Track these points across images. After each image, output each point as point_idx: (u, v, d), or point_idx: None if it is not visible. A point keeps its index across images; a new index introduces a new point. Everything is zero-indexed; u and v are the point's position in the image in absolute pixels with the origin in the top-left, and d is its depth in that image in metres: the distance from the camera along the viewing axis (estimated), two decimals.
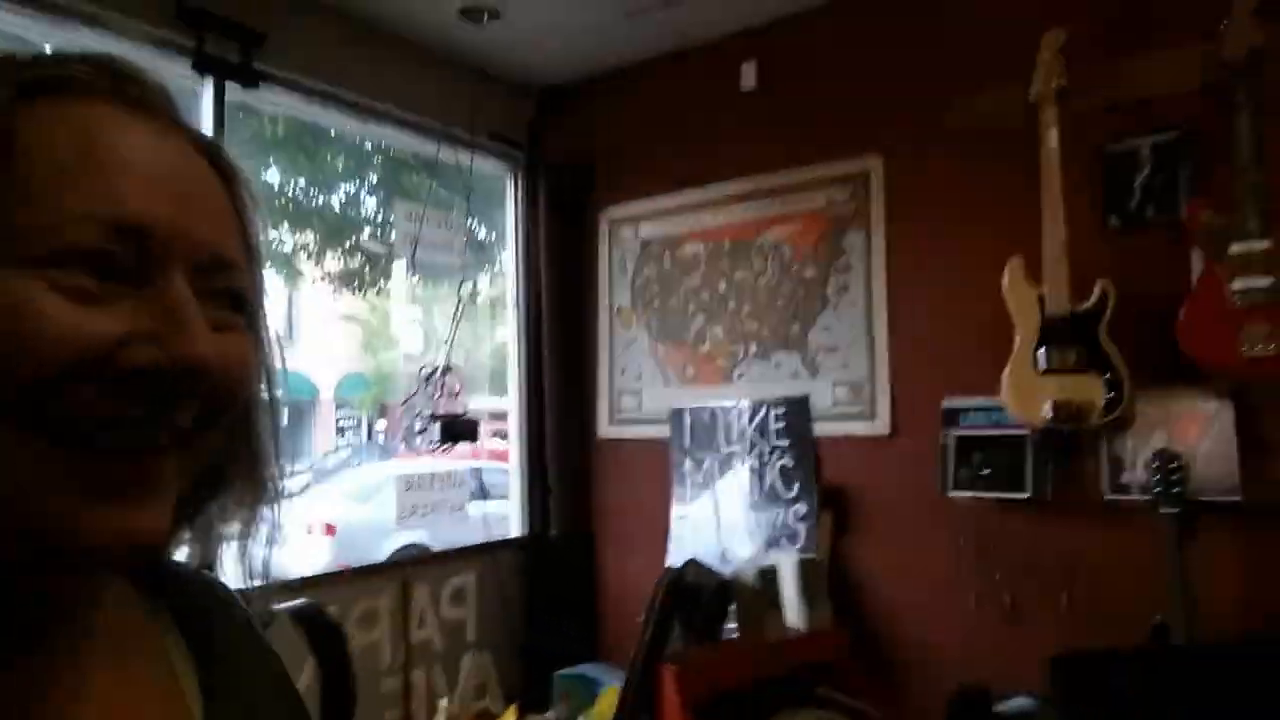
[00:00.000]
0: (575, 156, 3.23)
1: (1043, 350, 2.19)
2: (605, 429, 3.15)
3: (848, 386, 2.65)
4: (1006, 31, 2.34)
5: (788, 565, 2.01)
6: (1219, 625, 2.03)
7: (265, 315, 0.51)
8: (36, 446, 0.39)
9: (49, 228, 0.39)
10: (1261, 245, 1.96)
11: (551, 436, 3.15)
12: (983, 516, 2.36)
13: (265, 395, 0.52)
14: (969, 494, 2.36)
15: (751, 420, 2.79)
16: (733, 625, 1.86)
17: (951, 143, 2.45)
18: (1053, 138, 2.19)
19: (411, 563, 3.28)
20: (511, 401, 3.26)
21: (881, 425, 2.58)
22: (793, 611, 1.97)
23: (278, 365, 0.52)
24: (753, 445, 2.77)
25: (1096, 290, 2.16)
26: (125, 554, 0.42)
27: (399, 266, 2.76)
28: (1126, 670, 1.60)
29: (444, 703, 2.38)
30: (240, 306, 0.47)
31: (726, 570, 2.07)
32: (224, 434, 0.47)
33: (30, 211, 0.39)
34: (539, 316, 3.18)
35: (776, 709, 1.83)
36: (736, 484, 2.77)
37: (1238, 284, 1.98)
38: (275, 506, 0.53)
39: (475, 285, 3.03)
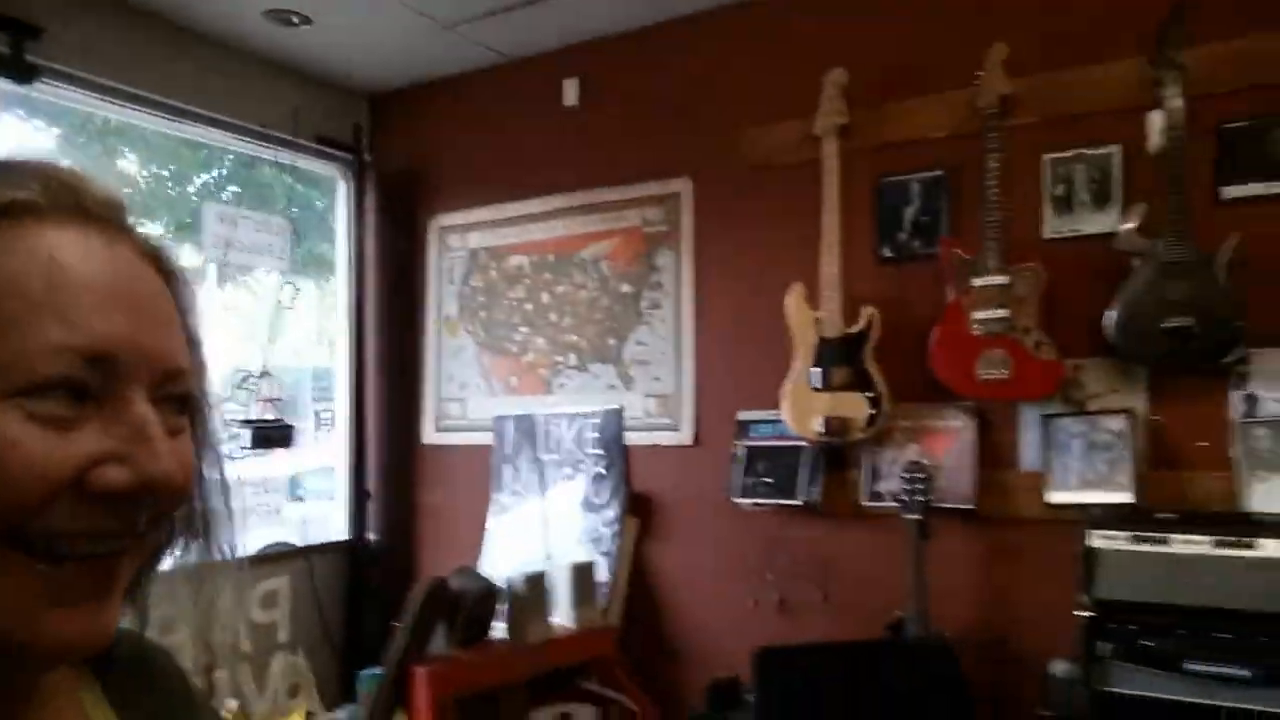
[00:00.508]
0: (406, 163, 3.26)
1: (816, 369, 2.37)
2: (430, 435, 3.18)
3: (657, 398, 2.77)
4: (796, 69, 2.50)
5: (561, 570, 2.10)
6: (954, 617, 2.25)
7: (208, 400, 0.53)
8: (14, 559, 0.42)
9: (23, 361, 0.41)
10: (999, 280, 2.17)
11: (374, 442, 3.16)
12: (763, 521, 2.52)
13: (216, 476, 0.55)
14: (753, 500, 2.51)
15: (569, 430, 2.88)
16: (502, 628, 1.93)
17: (750, 171, 2.61)
18: (832, 171, 2.37)
19: (218, 566, 3.21)
20: (337, 406, 3.25)
21: (686, 435, 2.71)
22: (564, 613, 2.06)
23: (222, 450, 0.56)
24: (570, 454, 2.87)
25: (863, 316, 2.34)
26: (88, 652, 0.45)
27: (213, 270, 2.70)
28: (811, 660, 1.76)
29: (233, 703, 2.36)
30: (185, 408, 0.49)
31: (533, 572, 2.15)
32: (170, 523, 0.50)
33: (3, 346, 0.42)
34: (367, 322, 3.18)
35: (543, 703, 1.92)
36: (564, 490, 2.85)
37: (978, 315, 2.19)
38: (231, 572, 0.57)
39: (297, 288, 3.00)
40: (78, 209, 0.47)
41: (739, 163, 2.63)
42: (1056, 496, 2.16)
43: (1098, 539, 1.89)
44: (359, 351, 3.17)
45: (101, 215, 0.47)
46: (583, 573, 2.13)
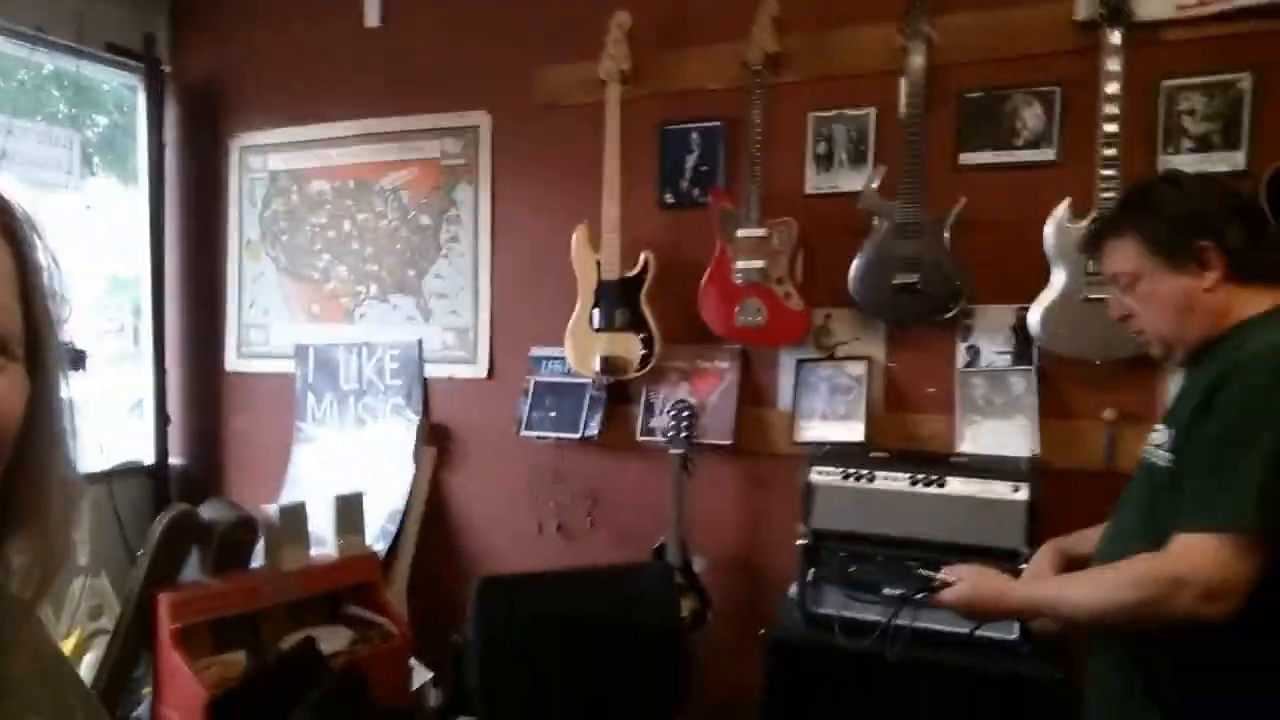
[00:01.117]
0: (208, 78, 3.10)
1: (596, 310, 2.45)
2: (233, 362, 3.13)
3: (455, 331, 2.81)
4: (587, 10, 2.49)
5: (327, 500, 2.17)
6: (713, 543, 2.44)
7: (51, 349, 0.54)
8: None
9: None
10: (758, 233, 2.29)
11: (177, 366, 3.10)
12: (549, 453, 2.64)
13: (53, 425, 0.56)
14: (539, 434, 2.61)
15: (369, 360, 2.90)
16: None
17: (543, 110, 2.62)
18: (614, 116, 2.41)
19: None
20: (140, 328, 3.15)
21: (481, 369, 2.77)
22: (329, 541, 2.14)
23: (64, 393, 0.56)
24: (371, 385, 2.89)
25: (640, 260, 2.43)
26: None
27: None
28: (530, 589, 1.90)
29: None
30: (3, 350, 0.50)
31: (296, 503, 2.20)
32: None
33: None
34: (169, 244, 3.07)
35: (302, 626, 2.00)
36: (364, 420, 2.89)
37: (739, 264, 2.31)
38: (66, 532, 0.57)
39: (87, 206, 2.85)
40: None
41: (533, 100, 2.63)
42: (801, 434, 2.34)
43: (815, 475, 2.08)
44: (159, 274, 3.06)
45: None
46: (348, 503, 2.20)
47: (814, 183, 2.35)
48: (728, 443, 2.41)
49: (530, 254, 2.70)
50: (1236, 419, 1.17)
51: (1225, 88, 1.98)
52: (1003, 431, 2.16)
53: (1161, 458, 1.28)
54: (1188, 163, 2.01)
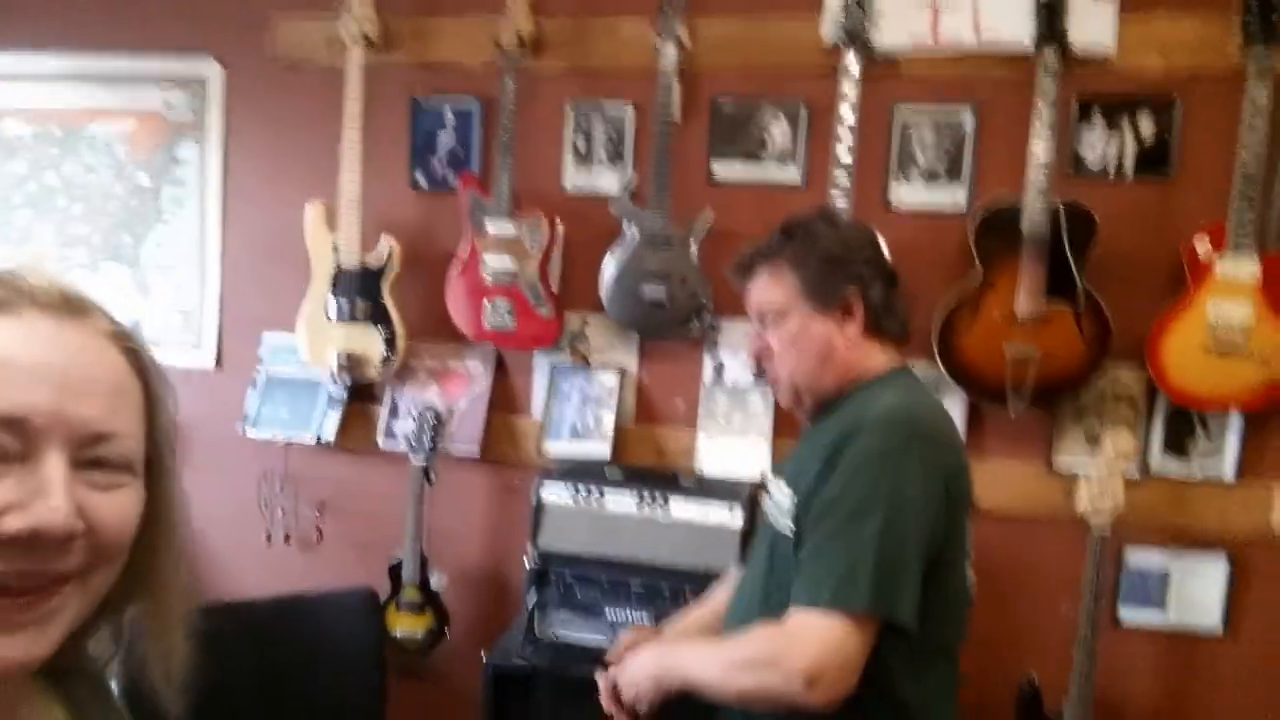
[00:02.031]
0: None
1: (333, 298, 2.22)
2: None
3: (179, 311, 2.48)
4: None
5: None
6: (457, 559, 2.31)
7: (169, 469, 0.64)
8: None
9: None
10: (508, 228, 2.13)
11: None
12: (279, 456, 2.39)
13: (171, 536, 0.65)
14: (271, 432, 2.36)
15: None
16: None
17: (284, 68, 2.32)
18: (355, 82, 2.15)
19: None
20: None
21: (208, 356, 2.47)
22: None
23: (180, 508, 0.66)
24: None
25: (384, 246, 2.21)
26: (17, 672, 0.55)
27: None
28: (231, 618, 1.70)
29: None
30: (127, 468, 0.59)
31: None
32: (122, 569, 0.60)
33: None
34: None
35: None
36: None
37: (489, 261, 2.15)
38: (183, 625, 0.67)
39: None
40: (32, 302, 0.56)
41: (273, 55, 2.32)
42: (550, 446, 2.23)
43: (545, 493, 1.98)
44: None
45: (52, 304, 0.57)
46: None
47: (573, 180, 2.21)
48: (474, 453, 2.26)
49: (267, 227, 2.40)
50: (854, 487, 1.12)
51: (951, 123, 2.01)
52: (740, 450, 2.15)
53: (785, 526, 1.23)
54: (917, 193, 2.03)
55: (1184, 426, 1.98)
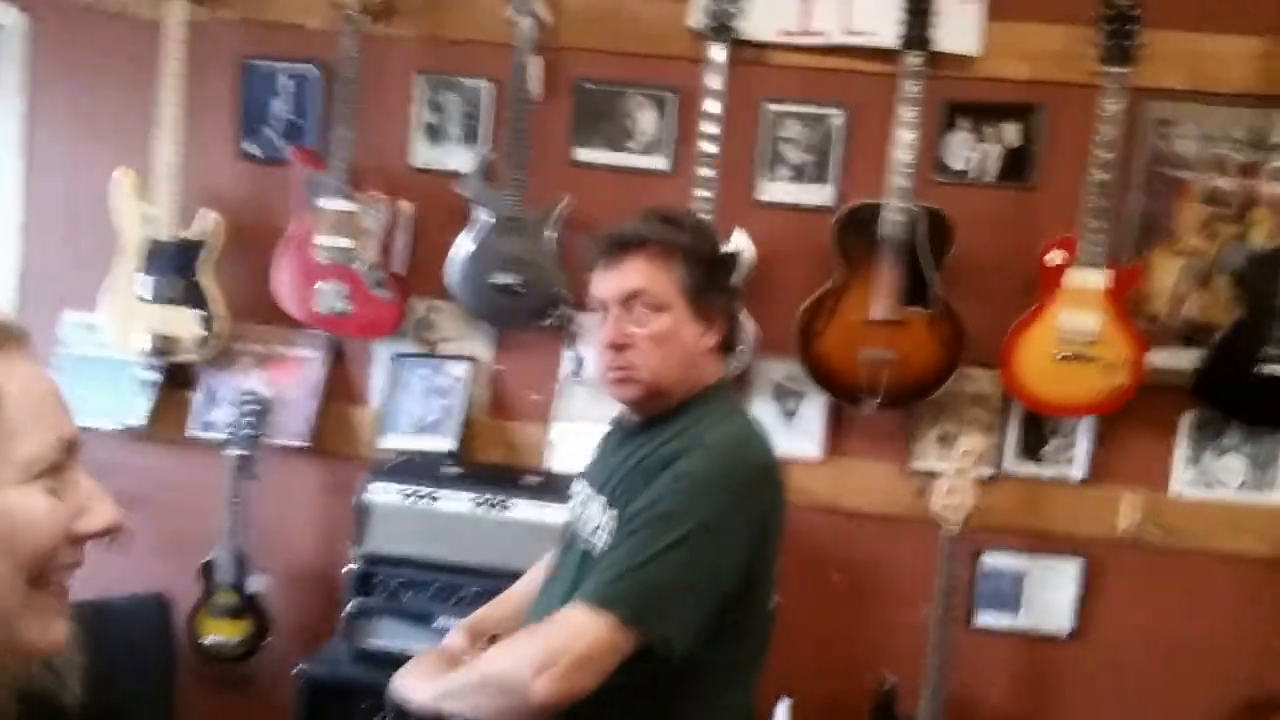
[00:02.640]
0: None
1: (144, 275, 1.99)
2: None
3: None
4: None
5: None
6: (283, 557, 2.11)
7: None
8: (37, 596, 0.60)
9: (41, 453, 0.59)
10: (345, 206, 1.96)
11: None
12: (90, 444, 2.12)
13: None
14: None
15: None
16: None
17: (95, 16, 2.08)
18: (175, 38, 1.95)
19: None
20: None
21: None
22: None
23: None
24: None
25: (204, 221, 2.00)
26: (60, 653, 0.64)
27: None
28: None
29: None
30: None
31: None
32: None
33: (25, 444, 0.59)
34: None
35: None
36: None
37: (321, 239, 1.97)
38: None
39: None
40: (9, 339, 0.61)
41: (83, 3, 2.07)
42: (387, 440, 2.07)
43: (373, 493, 1.82)
44: None
45: (17, 337, 0.62)
46: None
47: (424, 156, 2.06)
48: (304, 444, 2.08)
49: (74, 192, 2.14)
50: (666, 501, 1.07)
51: (819, 120, 1.97)
52: (594, 447, 2.03)
53: (600, 545, 1.16)
54: (785, 190, 1.98)
55: (1039, 430, 1.99)
